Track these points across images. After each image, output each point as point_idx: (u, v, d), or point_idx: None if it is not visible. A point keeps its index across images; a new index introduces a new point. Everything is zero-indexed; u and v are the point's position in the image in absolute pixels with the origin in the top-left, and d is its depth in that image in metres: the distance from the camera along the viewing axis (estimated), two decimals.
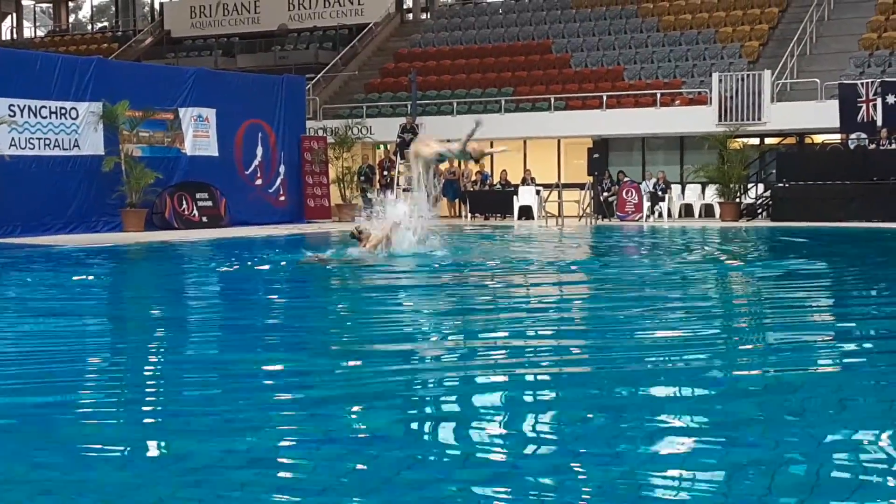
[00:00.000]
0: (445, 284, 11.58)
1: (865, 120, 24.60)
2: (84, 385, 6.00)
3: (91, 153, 21.93)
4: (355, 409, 5.17)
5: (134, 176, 22.01)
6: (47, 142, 21.20)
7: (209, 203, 24.03)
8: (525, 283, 12.07)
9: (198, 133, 24.39)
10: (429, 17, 38.82)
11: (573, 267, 13.79)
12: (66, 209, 21.39)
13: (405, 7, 39.24)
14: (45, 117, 21.19)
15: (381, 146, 31.82)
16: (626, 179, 27.03)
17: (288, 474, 4.06)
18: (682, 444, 4.39)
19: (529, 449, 4.38)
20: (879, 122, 24.32)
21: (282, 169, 26.52)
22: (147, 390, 5.84)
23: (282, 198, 26.55)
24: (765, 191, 25.86)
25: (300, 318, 9.13)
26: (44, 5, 50.97)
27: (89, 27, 50.72)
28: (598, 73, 30.95)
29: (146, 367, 6.61)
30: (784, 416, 4.94)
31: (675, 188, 27.72)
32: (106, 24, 50.53)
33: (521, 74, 32.14)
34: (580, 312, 9.34)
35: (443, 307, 9.61)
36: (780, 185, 24.32)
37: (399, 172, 29.50)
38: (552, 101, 29.51)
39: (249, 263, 14.35)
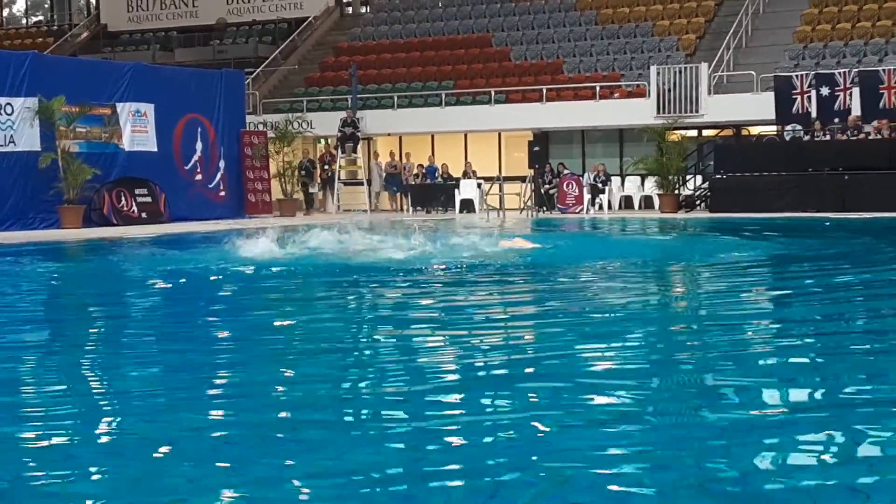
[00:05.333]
0: None
1: (800, 112, 25.02)
2: None
3: (27, 149, 21.55)
4: None
5: (71, 172, 21.69)
6: None
7: (148, 199, 23.79)
8: None
9: (136, 128, 24.10)
10: (368, 10, 38.70)
11: None
12: (1, 206, 21.06)
13: (344, 1, 39.12)
14: None
15: (322, 140, 31.75)
16: (566, 172, 27.20)
17: None
18: None
19: None
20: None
21: (222, 164, 26.30)
22: None
23: (222, 193, 26.35)
24: (703, 182, 26.16)
25: None
26: None
27: (24, 21, 49.91)
28: (538, 67, 31.10)
29: None
30: None
31: (616, 180, 27.94)
32: (41, 18, 49.73)
33: (462, 68, 32.18)
34: None
35: None
36: (718, 176, 24.64)
37: (340, 167, 29.46)
38: (492, 94, 29.61)
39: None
